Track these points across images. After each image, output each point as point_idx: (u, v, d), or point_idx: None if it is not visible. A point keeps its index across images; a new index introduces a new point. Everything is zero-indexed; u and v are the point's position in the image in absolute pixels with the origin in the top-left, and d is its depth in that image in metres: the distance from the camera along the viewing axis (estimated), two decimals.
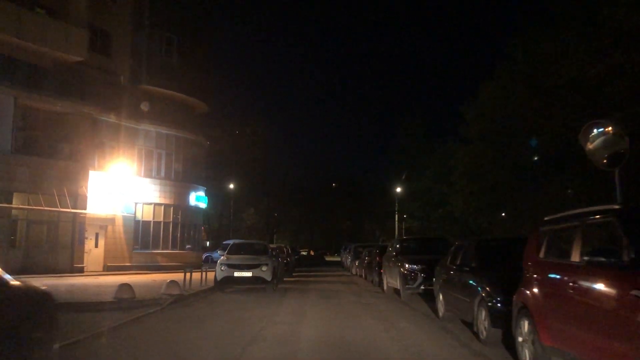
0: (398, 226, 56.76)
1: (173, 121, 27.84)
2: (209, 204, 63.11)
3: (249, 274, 14.99)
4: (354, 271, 27.73)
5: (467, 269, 7.72)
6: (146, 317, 9.67)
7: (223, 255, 16.09)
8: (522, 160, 25.08)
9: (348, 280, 22.60)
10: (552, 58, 19.23)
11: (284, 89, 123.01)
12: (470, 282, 7.38)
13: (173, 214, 27.50)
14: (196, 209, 29.45)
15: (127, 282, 12.14)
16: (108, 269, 24.34)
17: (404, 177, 47.28)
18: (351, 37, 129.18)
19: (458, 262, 8.41)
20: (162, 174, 27.37)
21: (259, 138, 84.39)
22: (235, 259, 15.58)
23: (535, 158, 24.14)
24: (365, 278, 21.82)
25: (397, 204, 53.51)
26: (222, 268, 15.13)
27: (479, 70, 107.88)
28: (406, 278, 12.67)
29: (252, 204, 71.57)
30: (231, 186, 57.76)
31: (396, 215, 56.46)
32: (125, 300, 11.09)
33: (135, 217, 26.02)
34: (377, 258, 18.82)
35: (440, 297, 9.27)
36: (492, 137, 26.17)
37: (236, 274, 14.99)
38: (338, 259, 65.02)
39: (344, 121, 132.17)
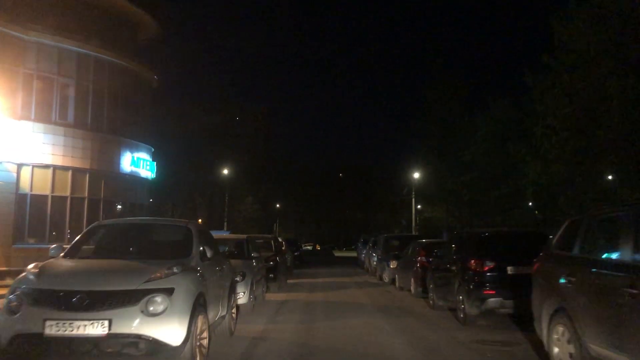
0: (416, 216, 46.46)
1: (93, 35, 17.06)
2: (196, 187, 53.44)
3: (97, 329, 4.22)
4: (386, 277, 17.04)
5: None
6: None
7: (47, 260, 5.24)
8: None
9: (389, 301, 11.86)
10: None
11: (286, 60, 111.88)
12: None
13: (90, 186, 16.76)
14: (134, 178, 18.64)
15: None
16: None
17: (429, 153, 36.74)
18: None
19: None
20: (70, 118, 16.62)
21: (261, 123, 74.63)
22: (71, 272, 4.84)
23: None
24: (432, 302, 10.65)
25: (412, 189, 43.24)
26: (13, 304, 4.40)
27: None
28: None
29: (251, 193, 61.84)
30: (225, 171, 49.29)
31: (413, 200, 45.95)
32: None
33: (18, 188, 15.32)
34: (472, 264, 8.04)
35: None
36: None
37: (49, 329, 4.22)
38: (349, 254, 54.37)
39: (352, 104, 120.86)
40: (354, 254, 49.81)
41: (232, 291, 7.05)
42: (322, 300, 12.00)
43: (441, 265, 9.80)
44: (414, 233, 36.54)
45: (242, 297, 9.10)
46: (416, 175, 42.71)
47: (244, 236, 11.11)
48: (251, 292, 9.45)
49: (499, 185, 25.74)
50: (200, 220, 55.05)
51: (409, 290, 13.26)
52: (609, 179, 17.39)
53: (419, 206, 48.39)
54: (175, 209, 54.36)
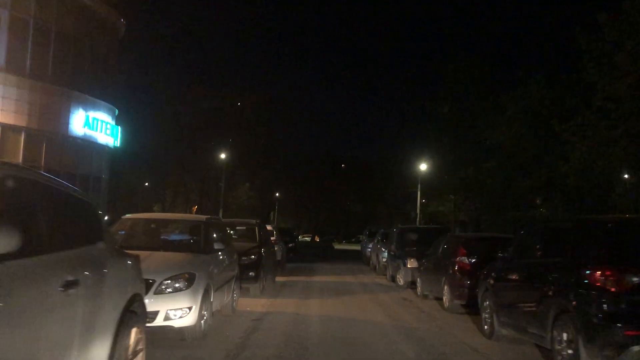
0: (420, 209, 42.99)
1: None
2: (185, 167, 49.66)
3: None
4: (400, 279, 13.39)
5: None
6: None
7: None
8: None
9: (415, 319, 8.13)
10: None
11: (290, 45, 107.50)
12: None
13: (26, 149, 13.07)
14: (88, 144, 14.91)
15: None
16: None
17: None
18: None
19: None
20: (1, 59, 12.86)
21: (262, 109, 70.91)
22: None
23: None
24: (489, 328, 6.60)
25: (419, 180, 39.79)
26: None
27: None
28: None
29: (248, 179, 58.41)
30: (222, 156, 44.72)
31: (419, 193, 42.51)
32: None
33: None
34: (598, 277, 4.32)
35: None
36: None
37: None
38: (350, 247, 50.77)
39: (358, 93, 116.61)
40: (355, 247, 46.14)
41: (128, 323, 3.33)
42: (318, 314, 8.32)
43: (514, 273, 6.11)
44: (419, 225, 32.73)
45: (184, 316, 5.47)
46: (423, 167, 39.23)
47: (203, 217, 7.38)
48: (205, 306, 5.81)
49: (530, 173, 21.99)
50: (195, 208, 51.51)
51: (439, 300, 9.70)
52: None
53: (423, 200, 45.14)
54: (167, 193, 51.15)
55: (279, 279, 13.92)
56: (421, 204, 43.66)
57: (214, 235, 7.04)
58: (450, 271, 9.01)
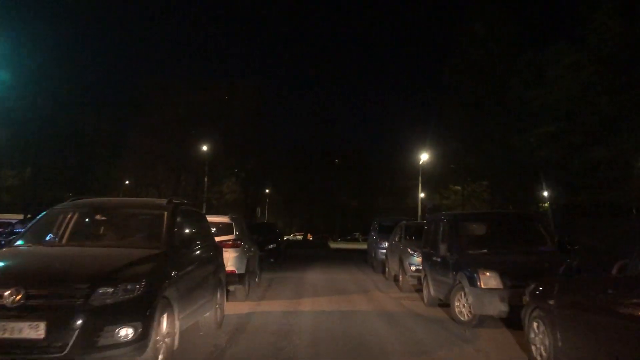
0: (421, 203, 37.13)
1: None
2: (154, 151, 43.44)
3: None
4: (463, 310, 7.03)
5: None
6: None
7: None
8: None
9: None
10: None
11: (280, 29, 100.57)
12: None
13: None
14: None
15: None
16: None
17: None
18: None
19: None
20: None
21: (251, 101, 64.89)
22: None
23: None
24: None
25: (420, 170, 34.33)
26: None
27: None
28: None
29: (232, 171, 52.88)
30: (204, 148, 41.12)
31: (419, 185, 36.93)
32: None
33: None
34: None
35: None
36: None
37: None
38: (348, 245, 44.37)
39: (353, 79, 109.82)
40: (353, 246, 39.76)
41: None
42: None
43: None
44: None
45: None
46: (424, 157, 33.46)
47: None
48: None
49: (601, 140, 15.69)
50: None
51: None
52: None
53: (422, 194, 40.05)
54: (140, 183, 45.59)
55: (236, 308, 7.58)
56: (421, 198, 38.35)
57: None
58: None
